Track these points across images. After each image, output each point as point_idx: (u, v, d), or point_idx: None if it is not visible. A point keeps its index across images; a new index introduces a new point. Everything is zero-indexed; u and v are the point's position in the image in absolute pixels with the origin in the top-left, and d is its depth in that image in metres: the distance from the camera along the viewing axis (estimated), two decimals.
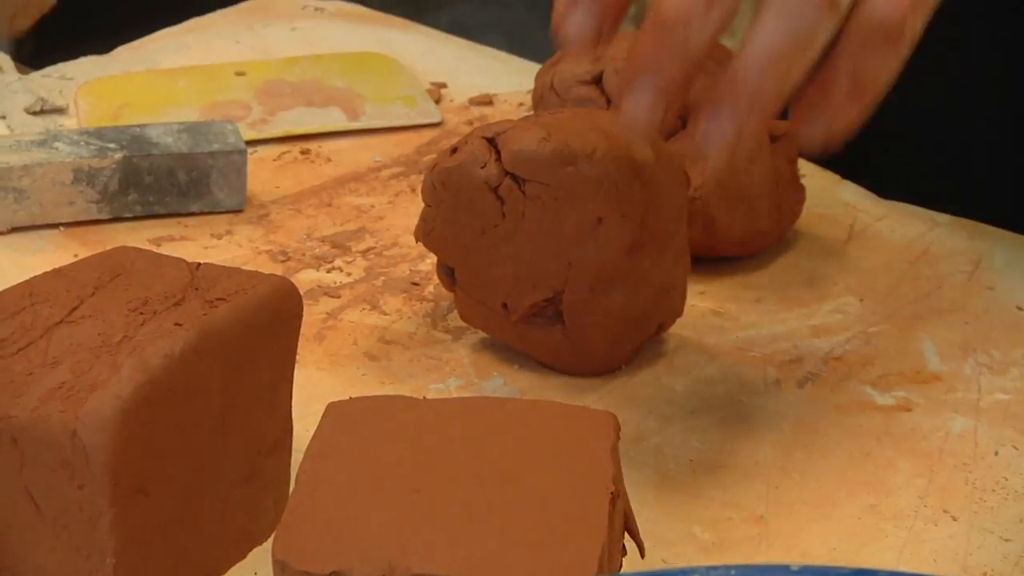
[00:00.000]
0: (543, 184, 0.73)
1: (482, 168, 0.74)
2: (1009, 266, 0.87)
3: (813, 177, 0.95)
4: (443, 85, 1.04)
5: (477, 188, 0.74)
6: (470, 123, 1.00)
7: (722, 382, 0.77)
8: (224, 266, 0.64)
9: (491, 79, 1.06)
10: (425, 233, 0.77)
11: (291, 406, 0.66)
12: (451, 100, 1.04)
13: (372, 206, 0.91)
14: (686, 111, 0.86)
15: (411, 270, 0.85)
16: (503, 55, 1.10)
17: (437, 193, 0.75)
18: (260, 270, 0.83)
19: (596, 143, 0.73)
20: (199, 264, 0.64)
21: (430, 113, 1.00)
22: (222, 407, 0.61)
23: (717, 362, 0.79)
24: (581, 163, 0.72)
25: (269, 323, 0.63)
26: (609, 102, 0.86)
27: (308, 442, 0.58)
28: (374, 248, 0.87)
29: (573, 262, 0.74)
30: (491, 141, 0.74)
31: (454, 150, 0.75)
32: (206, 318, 0.60)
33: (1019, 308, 0.84)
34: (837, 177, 0.95)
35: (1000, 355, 0.80)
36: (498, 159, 0.74)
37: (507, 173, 0.74)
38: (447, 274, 0.78)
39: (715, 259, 0.86)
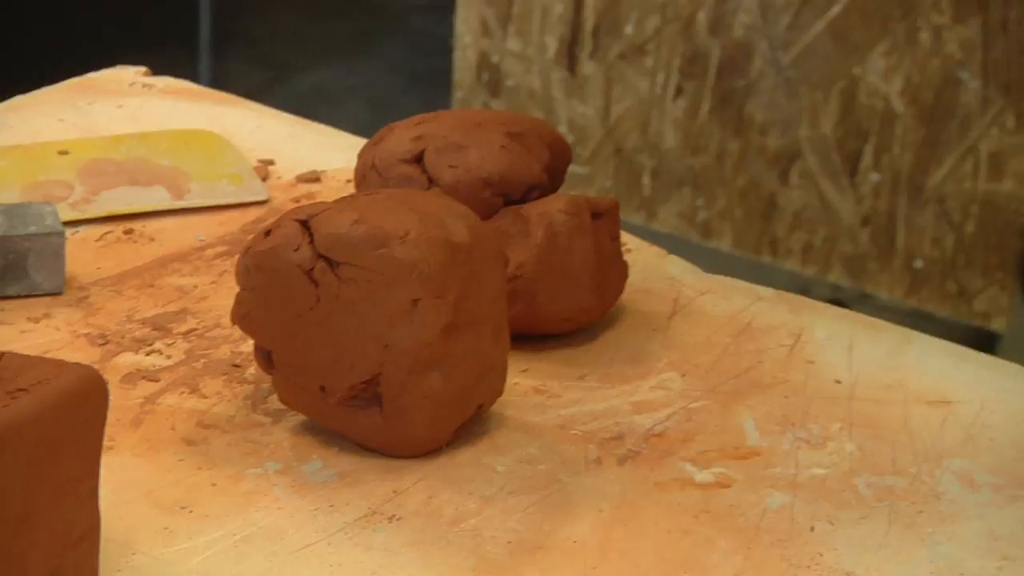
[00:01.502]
0: (357, 267, 0.73)
1: (295, 251, 0.73)
2: (829, 339, 0.88)
3: (639, 251, 0.96)
4: (271, 162, 1.04)
5: (291, 271, 0.74)
6: (297, 200, 1.00)
7: (543, 461, 0.77)
8: (29, 355, 0.63)
9: (320, 155, 1.06)
10: (241, 316, 0.76)
11: (98, 497, 0.65)
12: (279, 177, 1.03)
13: (195, 286, 0.90)
14: (506, 189, 0.86)
15: (232, 352, 0.84)
16: (333, 131, 1.10)
17: (251, 276, 0.75)
18: (78, 354, 0.83)
19: (410, 225, 0.73)
20: (2, 354, 0.63)
21: (256, 191, 1.00)
22: (24, 500, 0.60)
23: (539, 441, 0.79)
24: (394, 245, 0.72)
25: (73, 414, 0.62)
26: (430, 181, 0.86)
27: (123, 533, 0.57)
28: (196, 330, 0.86)
29: (390, 344, 0.74)
30: (304, 224, 0.74)
31: (268, 233, 0.75)
32: (6, 410, 0.59)
33: (838, 382, 0.84)
34: (663, 251, 0.96)
35: (818, 429, 0.80)
36: (311, 242, 0.73)
37: (321, 256, 0.73)
38: (265, 357, 0.77)
39: (539, 336, 0.86)
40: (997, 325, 2.03)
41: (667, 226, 2.29)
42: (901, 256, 2.10)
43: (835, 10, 2.03)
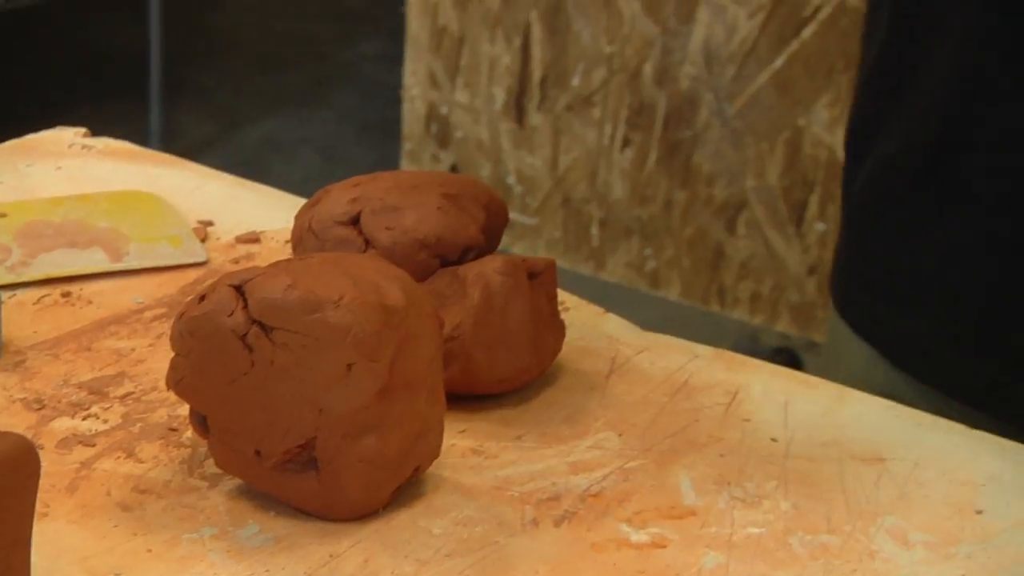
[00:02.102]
0: (291, 332, 0.73)
1: (229, 316, 0.73)
2: (765, 397, 0.89)
3: (577, 310, 0.96)
4: (210, 223, 1.04)
5: (225, 336, 0.74)
6: (236, 261, 1.00)
7: (480, 523, 0.77)
8: None
9: (260, 216, 1.06)
10: (176, 381, 0.76)
11: (30, 566, 0.65)
12: (218, 238, 1.03)
13: (132, 349, 0.90)
14: (442, 250, 0.87)
15: (169, 415, 0.84)
16: (272, 191, 1.10)
17: (185, 342, 0.75)
18: (14, 419, 0.83)
19: (344, 289, 0.73)
20: None
21: (195, 252, 1.00)
22: None
23: (475, 502, 0.79)
24: (328, 310, 0.73)
25: (3, 483, 0.62)
26: (367, 243, 0.87)
27: None
28: (133, 393, 0.86)
29: (324, 408, 0.74)
30: (238, 289, 0.74)
31: (202, 298, 0.75)
32: None
33: (773, 440, 0.85)
34: (600, 310, 0.97)
35: (754, 487, 0.81)
36: (245, 307, 0.74)
37: (255, 321, 0.73)
38: (200, 422, 0.77)
39: (476, 397, 0.86)
40: None
41: (615, 276, 2.31)
42: None
43: (779, 62, 2.05)
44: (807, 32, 2.01)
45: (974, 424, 0.88)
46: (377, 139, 3.48)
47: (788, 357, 2.49)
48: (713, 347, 0.93)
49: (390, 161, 2.70)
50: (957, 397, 1.01)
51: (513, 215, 2.36)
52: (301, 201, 1.06)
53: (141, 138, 3.19)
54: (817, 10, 1.99)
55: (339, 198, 0.88)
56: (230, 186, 1.10)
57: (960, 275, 1.01)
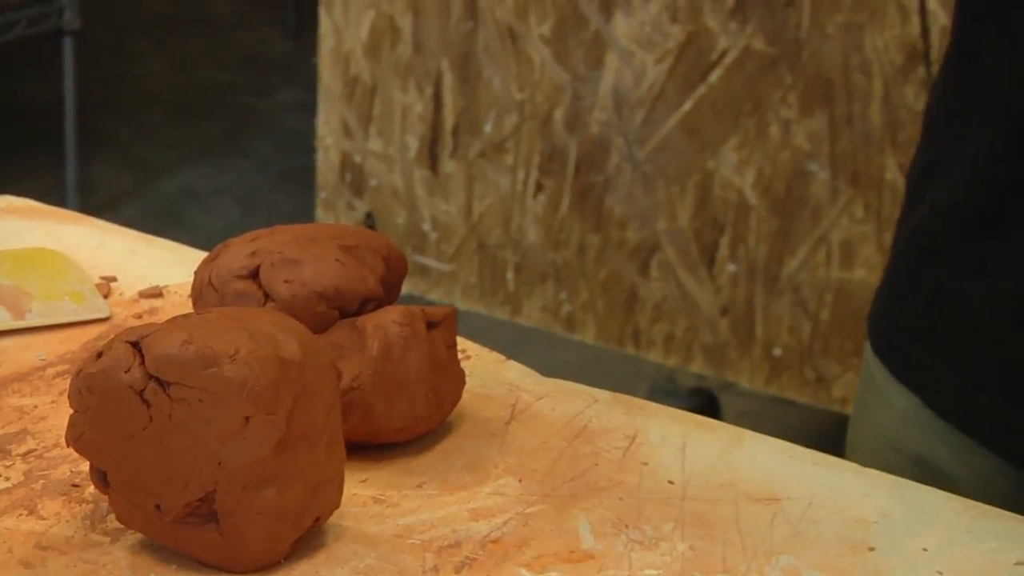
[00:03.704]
0: (188, 386, 0.74)
1: (126, 372, 0.74)
2: (663, 440, 0.90)
3: (478, 358, 0.97)
4: (113, 279, 1.04)
5: (123, 392, 0.74)
6: (139, 316, 1.00)
7: (381, 571, 0.78)
8: None
9: (162, 270, 1.06)
10: (75, 438, 0.77)
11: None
12: (121, 294, 1.04)
13: (35, 406, 0.91)
14: (341, 302, 0.87)
15: (72, 471, 0.85)
16: (175, 245, 1.11)
17: (84, 398, 0.76)
18: None
19: (240, 343, 0.74)
20: None
21: (97, 308, 1.00)
22: None
23: (376, 551, 0.80)
24: (224, 364, 0.73)
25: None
26: (266, 296, 0.87)
27: None
28: (35, 450, 0.86)
29: (223, 462, 0.75)
30: (135, 345, 0.75)
31: (99, 355, 0.75)
32: None
33: (671, 482, 0.86)
34: (501, 357, 0.98)
35: (651, 530, 0.82)
36: (143, 363, 0.74)
37: (152, 376, 0.74)
38: (100, 478, 0.78)
39: (377, 445, 0.87)
40: None
41: (532, 320, 2.32)
42: (760, 344, 2.14)
43: (687, 106, 2.08)
44: (714, 76, 2.03)
45: (1018, 482, 0.89)
46: (294, 187, 3.49)
47: (705, 397, 2.51)
48: (612, 392, 0.95)
49: (307, 209, 2.70)
50: (998, 452, 1.01)
51: (429, 261, 2.37)
52: (203, 255, 1.07)
53: (57, 191, 3.19)
54: (723, 55, 2.01)
55: (238, 252, 0.89)
56: (133, 241, 1.11)
57: (1004, 329, 0.99)
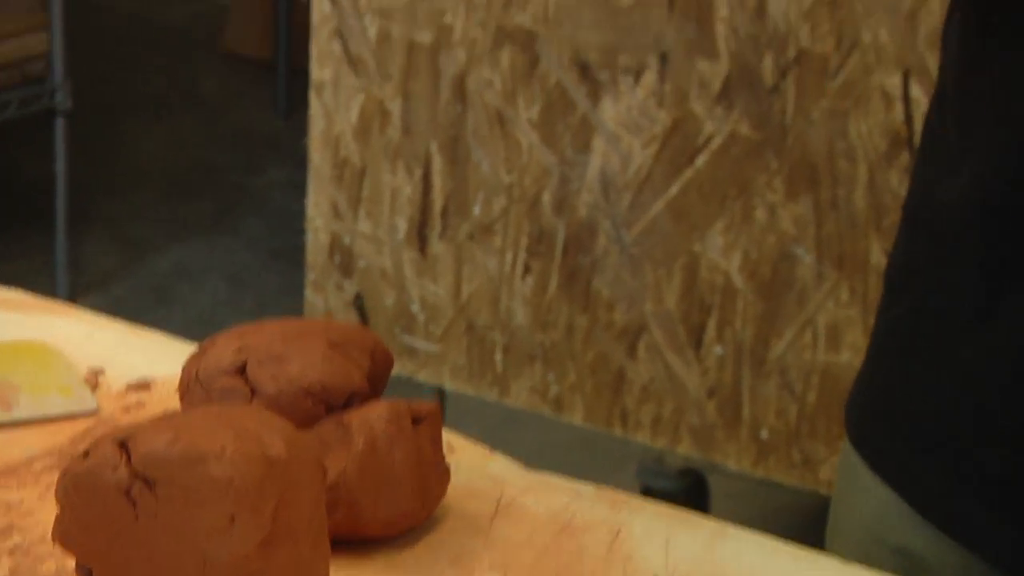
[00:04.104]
0: (174, 485, 0.74)
1: (113, 472, 0.75)
2: (647, 535, 0.91)
3: (463, 451, 0.98)
4: (101, 371, 1.05)
5: (109, 492, 0.75)
6: (127, 409, 1.01)
7: None
8: None
9: (151, 362, 1.07)
10: (61, 535, 0.77)
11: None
12: (109, 386, 1.04)
13: (21, 501, 0.91)
14: (327, 397, 0.88)
15: (58, 567, 0.85)
16: (163, 337, 1.11)
17: (70, 496, 0.76)
18: None
19: (225, 441, 0.75)
20: None
21: (85, 401, 1.01)
22: None
23: None
24: (210, 463, 0.74)
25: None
26: (253, 392, 0.88)
27: None
28: (21, 546, 0.87)
29: (208, 560, 0.75)
30: (122, 444, 0.75)
31: (86, 454, 0.76)
32: None
33: None
34: (486, 451, 0.98)
35: None
36: (129, 462, 0.75)
37: (138, 475, 0.75)
38: (86, 575, 0.78)
39: (362, 541, 0.87)
40: None
41: (519, 401, 2.32)
42: (747, 426, 2.14)
43: (674, 189, 2.09)
44: (700, 160, 2.05)
45: None
46: (284, 266, 3.50)
47: (694, 478, 2.51)
48: (596, 485, 0.95)
49: (297, 288, 2.71)
50: (975, 551, 1.00)
51: (417, 342, 2.38)
52: (192, 347, 1.08)
53: (47, 269, 3.19)
54: (709, 139, 2.03)
55: (225, 348, 0.90)
56: (121, 333, 1.11)
57: (983, 428, 0.99)
